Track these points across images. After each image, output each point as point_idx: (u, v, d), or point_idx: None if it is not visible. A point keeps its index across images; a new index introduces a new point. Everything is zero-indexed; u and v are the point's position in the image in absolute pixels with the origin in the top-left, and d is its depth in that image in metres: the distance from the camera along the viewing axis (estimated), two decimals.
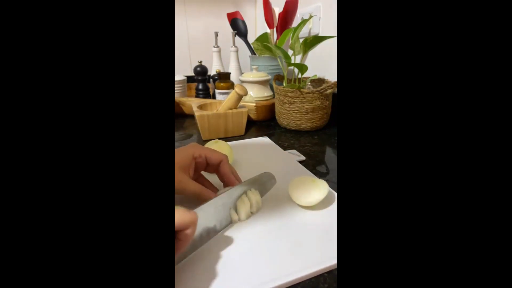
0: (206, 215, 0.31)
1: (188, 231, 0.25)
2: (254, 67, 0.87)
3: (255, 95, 0.83)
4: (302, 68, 0.70)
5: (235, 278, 0.27)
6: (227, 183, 0.39)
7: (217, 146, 0.50)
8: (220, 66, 1.09)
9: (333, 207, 0.38)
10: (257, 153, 0.58)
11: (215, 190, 0.40)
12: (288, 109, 0.72)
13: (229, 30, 1.04)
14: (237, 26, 1.04)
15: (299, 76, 0.75)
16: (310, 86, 0.83)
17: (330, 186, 0.40)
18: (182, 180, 0.35)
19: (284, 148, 0.61)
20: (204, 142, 0.66)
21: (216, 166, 0.39)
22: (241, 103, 0.74)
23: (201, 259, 0.29)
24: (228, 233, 0.34)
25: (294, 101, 0.70)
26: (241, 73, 1.01)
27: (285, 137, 0.69)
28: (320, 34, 0.90)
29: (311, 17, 0.78)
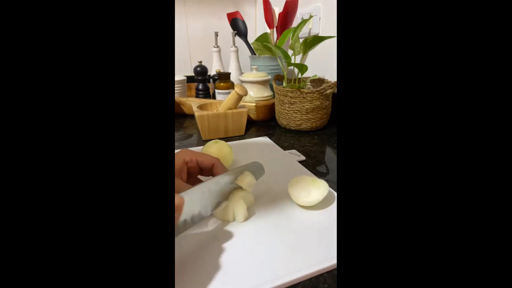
0: (192, 200, 0.31)
1: (176, 214, 0.25)
2: (254, 67, 0.87)
3: (255, 95, 0.83)
4: (302, 68, 0.70)
5: (235, 278, 0.27)
6: None
7: (217, 146, 0.50)
8: (220, 66, 1.09)
9: (333, 207, 0.38)
10: (257, 153, 0.58)
11: None
12: (288, 109, 0.72)
13: (229, 30, 1.04)
14: (237, 26, 1.04)
15: (299, 76, 0.75)
16: (310, 86, 0.83)
17: (330, 186, 0.40)
18: (176, 185, 0.35)
19: (284, 148, 0.61)
20: (204, 142, 0.66)
21: (209, 169, 0.39)
22: (241, 103, 0.74)
23: (201, 259, 0.29)
24: (228, 232, 0.34)
25: (294, 101, 0.70)
26: (241, 73, 1.01)
27: (285, 137, 0.69)
28: (320, 34, 0.90)
29: (311, 17, 0.78)
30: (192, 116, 0.89)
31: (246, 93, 0.67)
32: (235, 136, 0.70)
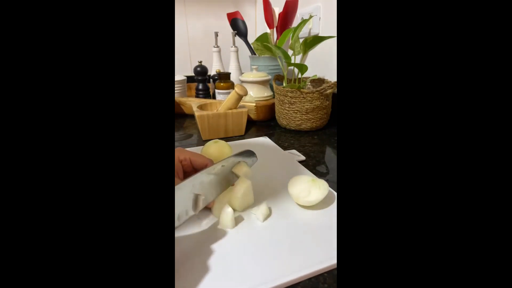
0: (183, 195, 0.31)
1: None
2: (254, 67, 0.87)
3: (255, 95, 0.83)
4: (302, 68, 0.70)
5: (235, 277, 0.27)
6: None
7: (217, 146, 0.50)
8: (220, 66, 1.09)
9: (333, 207, 0.38)
10: (257, 153, 0.57)
11: None
12: (288, 109, 0.72)
13: (229, 30, 1.04)
14: (237, 26, 1.04)
15: (299, 76, 0.75)
16: (310, 86, 0.83)
17: (330, 186, 0.40)
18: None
19: (284, 148, 0.61)
20: (204, 142, 0.66)
21: (203, 169, 0.39)
22: (241, 103, 0.74)
23: (200, 258, 0.29)
24: (228, 232, 0.34)
25: (294, 101, 0.70)
26: (241, 73, 1.01)
27: (285, 137, 0.69)
28: (320, 34, 0.90)
29: (311, 17, 0.78)
30: (192, 116, 0.89)
31: (246, 93, 0.67)
32: (235, 136, 0.70)
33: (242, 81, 0.85)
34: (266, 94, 0.84)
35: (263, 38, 0.88)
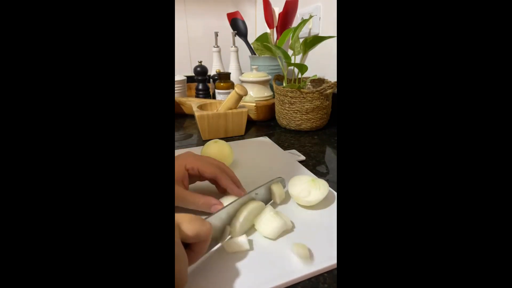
0: (218, 225, 0.30)
1: (205, 244, 0.24)
2: (254, 67, 0.87)
3: (255, 95, 0.83)
4: (302, 68, 0.70)
5: (235, 277, 0.27)
6: (230, 193, 0.38)
7: (217, 146, 0.50)
8: (220, 66, 1.09)
9: (333, 207, 0.38)
10: (257, 153, 0.58)
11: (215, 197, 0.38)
12: (288, 109, 0.72)
13: (229, 30, 1.04)
14: (237, 26, 1.04)
15: (299, 76, 0.75)
16: (310, 86, 0.83)
17: (330, 186, 0.40)
18: (178, 192, 0.34)
19: (284, 148, 0.61)
20: (204, 142, 0.66)
21: (211, 180, 0.39)
22: (241, 103, 0.74)
23: (200, 259, 0.29)
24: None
25: (294, 101, 0.70)
26: (241, 73, 1.01)
27: (285, 137, 0.69)
28: (320, 34, 0.90)
29: (311, 17, 0.78)
30: (192, 116, 0.89)
31: (246, 93, 0.67)
32: (235, 136, 0.70)
33: (242, 81, 0.85)
34: (266, 94, 0.84)
35: (263, 38, 0.88)
